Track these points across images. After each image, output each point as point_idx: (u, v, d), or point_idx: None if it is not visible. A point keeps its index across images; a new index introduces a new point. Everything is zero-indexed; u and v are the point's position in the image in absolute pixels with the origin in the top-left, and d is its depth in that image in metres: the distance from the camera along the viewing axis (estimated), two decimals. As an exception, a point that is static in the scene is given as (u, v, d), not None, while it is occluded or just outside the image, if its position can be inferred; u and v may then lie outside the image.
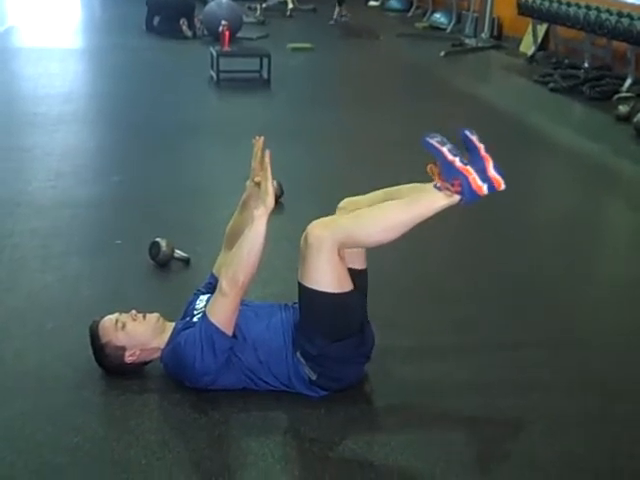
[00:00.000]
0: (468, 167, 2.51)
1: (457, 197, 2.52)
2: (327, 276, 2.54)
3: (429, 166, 2.56)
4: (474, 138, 2.65)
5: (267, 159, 2.55)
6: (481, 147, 2.64)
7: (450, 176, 2.51)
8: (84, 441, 2.39)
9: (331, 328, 2.58)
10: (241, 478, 2.33)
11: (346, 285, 2.58)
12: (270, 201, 2.51)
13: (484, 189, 2.51)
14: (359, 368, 2.70)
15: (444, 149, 2.53)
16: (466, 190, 2.51)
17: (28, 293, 3.34)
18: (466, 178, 2.51)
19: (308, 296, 2.58)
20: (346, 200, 2.80)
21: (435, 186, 2.55)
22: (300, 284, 2.59)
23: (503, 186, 2.63)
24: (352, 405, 2.62)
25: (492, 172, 2.65)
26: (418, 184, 2.73)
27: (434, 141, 2.55)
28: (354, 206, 2.73)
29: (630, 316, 3.40)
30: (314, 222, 2.57)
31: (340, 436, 2.47)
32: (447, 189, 2.52)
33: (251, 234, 2.52)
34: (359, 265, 2.71)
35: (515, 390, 2.77)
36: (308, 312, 2.61)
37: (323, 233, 2.52)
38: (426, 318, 3.24)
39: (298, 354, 2.60)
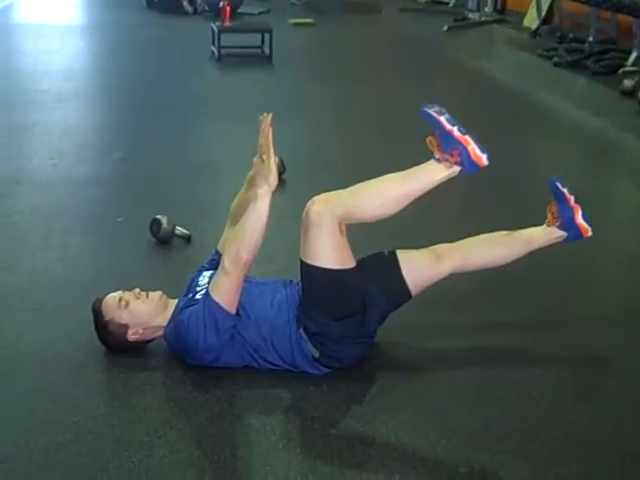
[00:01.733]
0: (466, 137, 2.50)
1: (457, 168, 2.52)
2: (327, 252, 2.52)
3: (428, 138, 2.55)
4: (565, 190, 2.81)
5: (270, 137, 2.52)
6: (571, 198, 2.82)
7: (449, 146, 2.50)
8: (86, 419, 2.40)
9: (331, 305, 2.57)
10: (243, 455, 2.33)
11: (347, 261, 2.57)
12: (273, 179, 2.48)
13: (483, 159, 2.51)
14: (361, 348, 2.68)
15: (442, 118, 2.52)
16: (465, 160, 2.50)
17: (29, 271, 3.34)
18: (465, 148, 2.50)
19: (309, 273, 2.57)
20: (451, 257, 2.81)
21: (435, 158, 2.54)
22: (301, 261, 2.58)
23: (590, 233, 2.84)
24: (354, 383, 2.61)
25: (580, 220, 2.83)
26: (528, 230, 2.89)
27: (432, 111, 2.54)
28: (457, 254, 2.80)
29: (633, 292, 3.39)
30: (314, 198, 2.56)
31: (342, 414, 2.47)
32: (446, 160, 2.52)
33: (254, 212, 2.50)
34: None
35: (517, 367, 2.77)
36: (309, 289, 2.60)
37: (323, 208, 2.51)
38: (428, 296, 3.22)
39: (301, 330, 2.59)
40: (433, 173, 2.56)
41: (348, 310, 2.59)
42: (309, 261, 2.55)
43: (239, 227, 2.55)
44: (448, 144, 2.51)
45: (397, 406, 2.52)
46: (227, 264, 2.51)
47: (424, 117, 2.56)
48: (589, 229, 2.85)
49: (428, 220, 3.71)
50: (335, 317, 2.56)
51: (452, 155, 2.50)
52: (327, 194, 2.58)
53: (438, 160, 2.54)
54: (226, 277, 2.53)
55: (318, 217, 2.50)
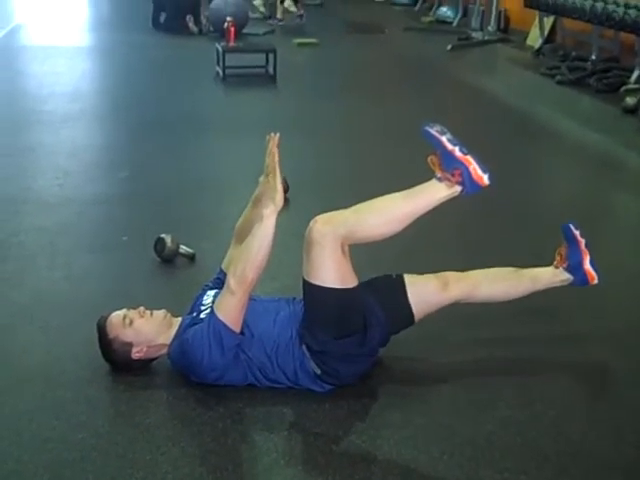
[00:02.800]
0: (468, 156, 2.51)
1: (458, 188, 2.53)
2: (330, 272, 2.54)
3: (430, 157, 2.56)
4: (577, 233, 2.85)
5: (276, 157, 2.53)
6: (582, 242, 2.85)
7: (450, 166, 2.51)
8: (90, 436, 2.41)
9: (331, 323, 2.58)
10: (246, 472, 2.34)
11: (349, 281, 2.58)
12: (279, 199, 2.49)
13: (485, 179, 2.51)
14: (362, 366, 2.69)
15: (443, 138, 2.53)
16: (467, 180, 2.51)
17: (35, 290, 3.36)
18: (466, 168, 2.50)
19: (311, 291, 2.58)
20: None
21: (436, 177, 2.55)
22: (304, 280, 2.59)
23: (596, 281, 2.86)
24: (356, 399, 2.62)
25: (587, 266, 2.86)
26: (535, 270, 2.93)
27: (433, 130, 2.55)
28: (463, 288, 2.82)
29: (635, 306, 3.40)
30: (316, 217, 2.57)
31: (344, 430, 2.47)
32: (448, 179, 2.53)
33: (260, 232, 2.51)
34: None
35: (519, 382, 2.77)
36: (311, 307, 2.61)
37: (325, 228, 2.52)
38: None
39: (304, 347, 2.60)
40: (434, 192, 2.57)
41: (348, 329, 2.59)
42: (311, 280, 2.56)
43: (245, 246, 2.57)
44: (449, 164, 2.51)
45: (399, 422, 2.52)
46: (232, 283, 2.52)
47: (426, 136, 2.58)
48: (596, 277, 2.88)
49: (426, 239, 3.72)
50: (335, 335, 2.57)
51: (453, 175, 2.51)
52: (329, 214, 2.60)
53: (439, 179, 2.55)
54: (231, 296, 2.53)
55: (321, 236, 2.51)
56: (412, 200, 2.60)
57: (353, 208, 2.63)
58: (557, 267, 2.92)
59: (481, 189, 2.53)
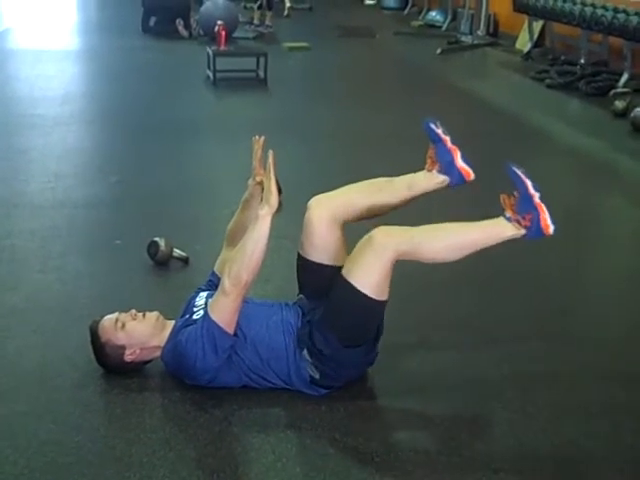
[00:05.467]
0: (543, 204, 2.53)
1: (523, 231, 2.56)
2: (372, 280, 2.53)
3: (502, 196, 2.58)
4: (440, 131, 2.71)
5: (270, 159, 2.52)
6: (447, 139, 2.70)
7: (524, 209, 2.54)
8: (85, 439, 2.41)
9: (352, 330, 2.58)
10: (242, 474, 2.34)
11: (384, 295, 2.58)
12: (274, 201, 2.49)
13: (550, 230, 2.54)
14: (362, 370, 2.73)
15: (528, 182, 2.54)
16: (534, 227, 2.54)
17: (28, 293, 3.35)
18: (539, 215, 2.53)
19: (345, 291, 2.55)
20: (316, 198, 2.76)
21: (505, 216, 2.57)
22: (342, 277, 2.56)
23: (472, 176, 2.71)
24: (352, 402, 2.63)
25: (460, 164, 2.72)
26: (409, 175, 2.76)
27: (520, 171, 2.56)
28: (328, 203, 2.71)
29: (627, 310, 3.42)
30: (381, 227, 2.56)
31: (340, 433, 2.48)
32: (517, 221, 2.55)
33: (255, 234, 2.51)
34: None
35: (516, 384, 2.78)
36: (336, 308, 2.58)
37: (388, 241, 2.52)
38: (427, 314, 3.25)
39: (305, 352, 2.59)
40: (501, 230, 2.58)
41: (362, 339, 2.61)
42: (351, 280, 2.53)
43: (239, 248, 2.56)
44: (525, 207, 2.53)
45: (395, 424, 2.53)
46: (227, 285, 2.52)
47: (510, 175, 2.58)
48: (471, 172, 2.73)
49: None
50: (348, 344, 2.57)
51: (524, 218, 2.54)
52: (394, 228, 2.59)
53: (509, 219, 2.57)
54: (225, 298, 2.53)
55: (382, 248, 2.50)
56: (478, 232, 2.61)
57: (419, 228, 2.62)
58: (430, 171, 2.77)
59: (543, 237, 2.56)
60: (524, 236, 2.55)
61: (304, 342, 2.60)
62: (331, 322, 2.57)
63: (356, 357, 2.62)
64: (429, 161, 2.78)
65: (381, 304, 2.58)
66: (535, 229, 2.53)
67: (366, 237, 2.55)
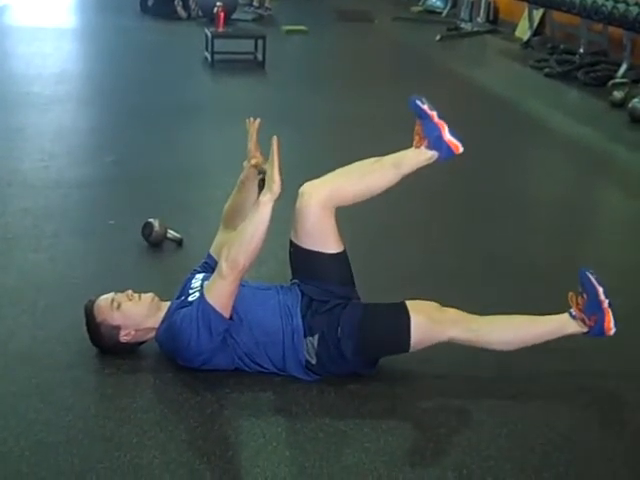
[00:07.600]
0: (610, 310, 2.61)
1: (586, 329, 2.64)
2: (426, 333, 2.63)
3: (570, 294, 2.66)
4: (425, 107, 2.68)
5: (275, 146, 2.47)
6: (434, 114, 2.68)
7: (591, 311, 2.61)
8: (76, 419, 2.40)
9: (379, 344, 2.66)
10: (233, 457, 2.34)
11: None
12: (277, 189, 2.46)
13: (612, 332, 2.63)
14: (358, 370, 2.72)
15: (600, 289, 2.62)
16: (598, 327, 2.63)
17: (20, 272, 3.34)
18: (603, 317, 2.61)
19: (396, 313, 2.65)
20: (307, 185, 2.72)
21: (570, 313, 2.66)
22: (394, 304, 2.68)
23: (461, 149, 2.69)
24: (343, 387, 2.62)
25: (448, 137, 2.68)
26: (398, 153, 2.75)
27: (594, 278, 2.64)
28: (319, 190, 2.69)
29: (624, 303, 3.41)
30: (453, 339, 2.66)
31: (331, 417, 2.48)
32: (582, 320, 2.63)
33: (255, 218, 2.50)
34: None
35: (506, 373, 2.77)
36: (371, 324, 2.63)
37: (460, 335, 2.63)
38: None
39: (315, 337, 2.59)
40: (565, 326, 2.67)
41: (383, 351, 2.70)
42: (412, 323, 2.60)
43: (239, 232, 2.55)
44: (592, 309, 2.62)
45: (386, 410, 2.53)
46: (224, 268, 2.50)
47: (583, 280, 2.65)
48: (459, 145, 2.67)
49: (404, 220, 3.72)
50: (361, 354, 2.62)
51: (589, 319, 2.62)
52: (464, 316, 2.67)
53: (574, 317, 2.65)
54: (222, 281, 2.52)
55: (440, 327, 2.62)
56: (541, 328, 2.70)
57: (485, 318, 2.69)
58: (418, 147, 2.71)
59: (603, 337, 2.64)
60: (585, 334, 2.65)
61: (317, 330, 2.60)
62: (361, 336, 2.60)
63: (363, 365, 2.68)
64: (417, 137, 2.72)
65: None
66: (598, 329, 2.63)
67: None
